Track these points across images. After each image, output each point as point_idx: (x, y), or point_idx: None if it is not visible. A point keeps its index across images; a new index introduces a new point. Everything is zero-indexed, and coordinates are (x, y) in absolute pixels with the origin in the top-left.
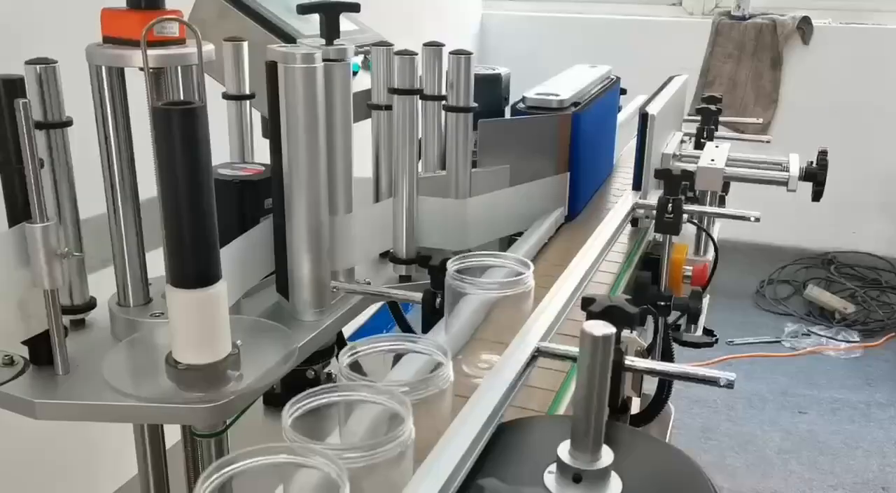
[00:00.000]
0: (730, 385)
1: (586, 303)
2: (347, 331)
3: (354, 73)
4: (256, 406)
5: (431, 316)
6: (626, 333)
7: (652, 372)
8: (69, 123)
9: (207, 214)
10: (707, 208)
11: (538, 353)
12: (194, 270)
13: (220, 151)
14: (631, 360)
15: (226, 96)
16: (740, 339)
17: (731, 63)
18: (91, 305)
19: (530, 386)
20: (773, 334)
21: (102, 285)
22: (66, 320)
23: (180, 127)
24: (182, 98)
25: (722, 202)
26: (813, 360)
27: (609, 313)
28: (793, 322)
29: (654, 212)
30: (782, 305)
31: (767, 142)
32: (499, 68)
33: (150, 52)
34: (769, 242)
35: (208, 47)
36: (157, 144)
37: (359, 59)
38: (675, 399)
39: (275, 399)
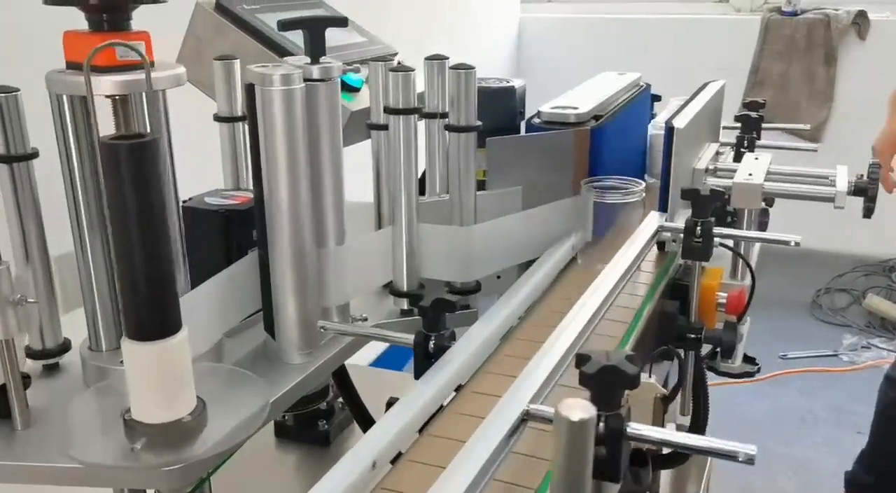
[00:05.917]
0: (750, 461)
1: (580, 361)
2: (368, 359)
3: (358, 89)
4: (268, 437)
5: (424, 362)
6: (644, 377)
7: (658, 443)
8: (34, 154)
9: (164, 260)
10: (740, 232)
11: (527, 417)
12: (151, 321)
13: (214, 177)
14: (634, 428)
15: (217, 118)
16: (794, 352)
17: (782, 62)
18: (65, 347)
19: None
20: (829, 346)
21: (80, 324)
22: (38, 365)
23: (129, 164)
24: (149, 128)
25: (766, 214)
26: (873, 375)
27: (605, 374)
28: (851, 334)
29: (682, 236)
30: (840, 315)
31: (815, 150)
32: (513, 80)
33: (109, 78)
34: (825, 249)
35: (176, 71)
36: (105, 184)
37: (364, 74)
38: (719, 419)
39: (286, 431)
